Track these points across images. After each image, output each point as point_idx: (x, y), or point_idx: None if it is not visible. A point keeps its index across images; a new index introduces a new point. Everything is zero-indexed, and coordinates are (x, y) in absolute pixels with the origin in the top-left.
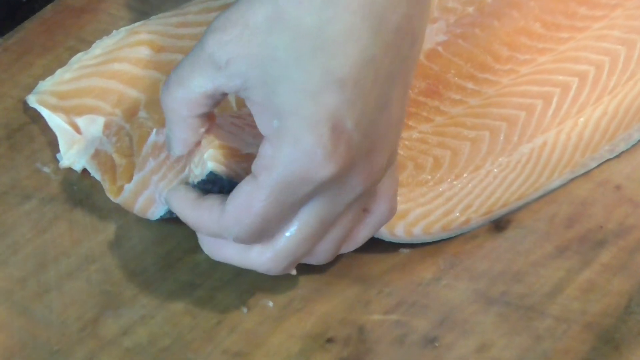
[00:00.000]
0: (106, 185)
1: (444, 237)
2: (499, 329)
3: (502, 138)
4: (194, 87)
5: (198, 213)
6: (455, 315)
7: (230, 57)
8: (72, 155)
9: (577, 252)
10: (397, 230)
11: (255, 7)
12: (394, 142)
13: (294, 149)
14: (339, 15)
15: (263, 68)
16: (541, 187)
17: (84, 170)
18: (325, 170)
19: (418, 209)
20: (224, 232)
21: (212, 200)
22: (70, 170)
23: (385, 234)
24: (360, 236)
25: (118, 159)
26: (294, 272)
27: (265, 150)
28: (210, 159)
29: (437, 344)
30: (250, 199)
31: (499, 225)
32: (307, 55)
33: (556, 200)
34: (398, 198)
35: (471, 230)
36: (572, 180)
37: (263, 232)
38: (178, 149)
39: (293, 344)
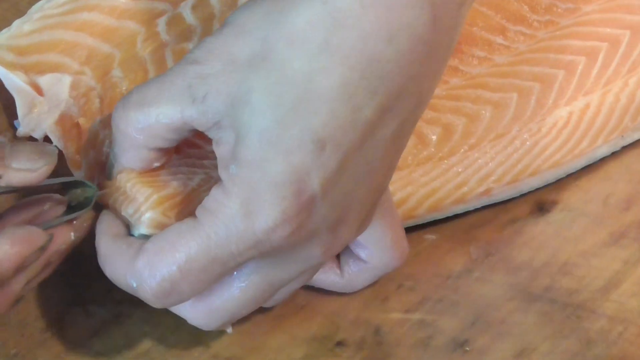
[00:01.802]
0: (69, 155)
1: (459, 212)
2: (542, 330)
3: (533, 101)
4: (158, 115)
5: (112, 246)
6: (489, 314)
7: (208, 91)
8: (32, 120)
9: (636, 239)
10: None
11: (242, 40)
12: (371, 206)
13: (248, 204)
14: (333, 67)
15: (236, 109)
16: (582, 154)
17: (46, 138)
18: (277, 237)
19: (420, 190)
20: (128, 276)
21: (137, 239)
22: (30, 138)
23: None
24: (359, 283)
25: (84, 125)
26: (229, 329)
27: (217, 194)
28: (145, 225)
29: (467, 348)
30: (180, 240)
31: (542, 207)
32: (287, 105)
33: (611, 177)
34: (395, 184)
35: (495, 201)
36: (628, 153)
37: (171, 296)
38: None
39: (296, 348)
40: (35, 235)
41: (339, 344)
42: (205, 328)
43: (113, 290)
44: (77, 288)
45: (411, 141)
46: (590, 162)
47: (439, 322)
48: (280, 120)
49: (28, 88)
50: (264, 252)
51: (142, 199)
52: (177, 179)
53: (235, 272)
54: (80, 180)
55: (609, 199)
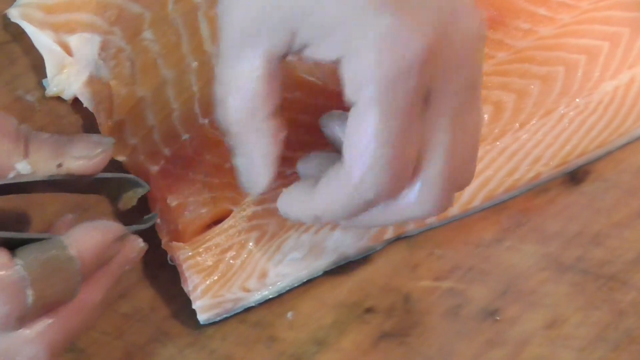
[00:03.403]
0: (100, 119)
1: (506, 199)
2: (573, 301)
3: (580, 74)
4: (251, 60)
5: (315, 197)
6: (520, 284)
7: (256, 16)
8: (62, 81)
9: None
10: (452, 212)
11: None
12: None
13: (371, 42)
14: None
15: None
16: (626, 132)
17: (75, 100)
18: (415, 41)
19: (474, 181)
20: (355, 191)
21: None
22: (58, 99)
23: (432, 219)
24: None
25: (116, 88)
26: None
27: (346, 71)
28: (199, 311)
29: (498, 318)
30: (364, 130)
31: (575, 177)
32: None
33: None
34: None
35: (541, 184)
36: None
37: (404, 162)
38: (260, 181)
39: (325, 314)
40: (111, 227)
41: (368, 310)
42: (437, 212)
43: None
44: None
45: None
46: (632, 140)
47: (469, 291)
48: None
49: (57, 48)
50: (425, 77)
51: (191, 287)
52: (228, 255)
53: (424, 128)
54: (134, 179)
55: None
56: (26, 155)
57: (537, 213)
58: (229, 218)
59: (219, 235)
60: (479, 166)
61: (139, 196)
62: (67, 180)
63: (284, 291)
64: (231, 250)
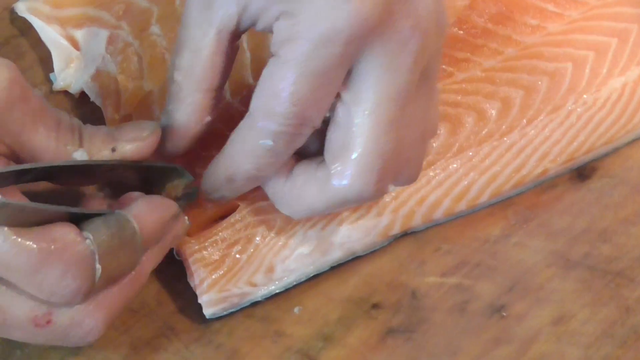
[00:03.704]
0: (108, 114)
1: (513, 195)
2: (581, 298)
3: (587, 71)
4: (202, 34)
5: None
6: (527, 280)
7: None
8: (69, 75)
9: None
10: (459, 208)
11: None
12: None
13: (311, 5)
14: None
15: None
16: (634, 129)
17: (82, 95)
18: (351, 15)
19: (482, 177)
20: (256, 136)
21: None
22: (65, 93)
23: (438, 216)
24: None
25: (123, 82)
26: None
27: (279, 25)
28: (205, 305)
29: (504, 314)
30: (277, 80)
31: (582, 173)
32: None
33: None
34: (458, 171)
35: (548, 180)
36: None
37: (305, 119)
38: (169, 145)
39: (331, 310)
40: (168, 203)
41: (375, 306)
42: (368, 195)
43: None
44: None
45: (472, 118)
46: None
47: (476, 287)
48: None
49: (65, 42)
50: (356, 50)
51: (198, 281)
52: (235, 249)
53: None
54: (179, 169)
55: None
56: (81, 145)
57: (545, 209)
58: (235, 212)
59: (225, 230)
60: (486, 162)
61: (184, 186)
62: (121, 165)
63: (290, 286)
64: (238, 245)
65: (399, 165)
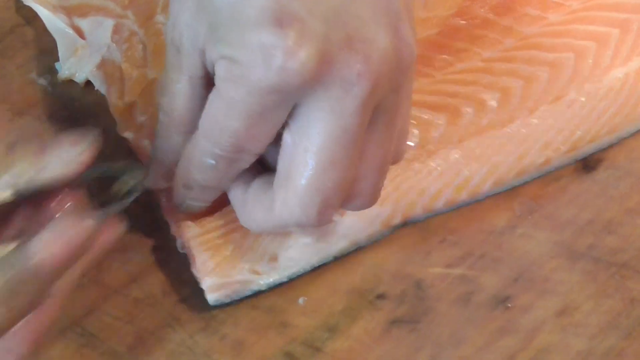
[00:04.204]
0: (112, 100)
1: (517, 185)
2: (585, 289)
3: (590, 61)
4: (176, 81)
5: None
6: (532, 271)
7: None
8: (74, 64)
9: None
10: (460, 198)
11: None
12: (379, 18)
13: (248, 54)
14: None
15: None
16: (638, 118)
17: (88, 83)
18: (285, 70)
19: (483, 167)
20: (199, 149)
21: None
22: (70, 82)
23: (439, 206)
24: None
25: (128, 70)
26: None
27: (220, 64)
28: (207, 289)
29: (509, 305)
30: (217, 110)
31: (587, 164)
32: None
33: None
34: (459, 162)
35: (553, 171)
36: None
37: (243, 149)
38: (151, 176)
39: (336, 300)
40: (79, 225)
41: (380, 296)
42: (307, 221)
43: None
44: None
45: (472, 109)
46: None
47: (481, 278)
48: None
49: (70, 31)
50: (300, 97)
51: (200, 264)
52: (238, 235)
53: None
54: (129, 164)
55: None
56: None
57: (550, 201)
58: None
59: (228, 215)
60: (487, 152)
61: (135, 180)
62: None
63: (294, 276)
64: (241, 230)
65: (348, 196)
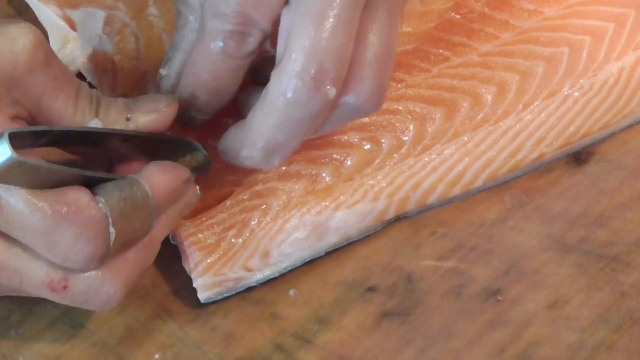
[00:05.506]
0: (103, 93)
1: (510, 179)
2: (576, 282)
3: (584, 55)
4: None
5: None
6: (523, 264)
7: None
8: (65, 55)
9: None
10: (453, 193)
11: None
12: None
13: None
14: None
15: None
16: (631, 113)
17: (79, 75)
18: None
19: (476, 162)
20: (206, 35)
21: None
22: None
23: (432, 201)
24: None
25: (120, 62)
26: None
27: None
28: (200, 289)
29: (500, 298)
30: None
31: (578, 157)
32: None
33: None
34: (453, 156)
35: (545, 165)
36: None
37: (250, 19)
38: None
39: (327, 292)
40: (180, 168)
41: (370, 289)
42: (307, 87)
43: None
44: None
45: (467, 103)
46: (637, 122)
47: (472, 271)
48: None
49: (62, 22)
50: None
51: (192, 264)
52: (231, 233)
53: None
54: (193, 144)
55: None
56: (97, 114)
57: (541, 193)
58: (231, 196)
59: (221, 213)
60: (481, 147)
61: (197, 161)
62: (136, 136)
63: (286, 271)
64: (233, 229)
65: (349, 80)
